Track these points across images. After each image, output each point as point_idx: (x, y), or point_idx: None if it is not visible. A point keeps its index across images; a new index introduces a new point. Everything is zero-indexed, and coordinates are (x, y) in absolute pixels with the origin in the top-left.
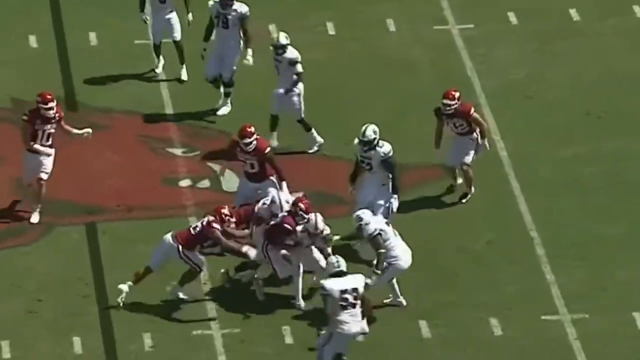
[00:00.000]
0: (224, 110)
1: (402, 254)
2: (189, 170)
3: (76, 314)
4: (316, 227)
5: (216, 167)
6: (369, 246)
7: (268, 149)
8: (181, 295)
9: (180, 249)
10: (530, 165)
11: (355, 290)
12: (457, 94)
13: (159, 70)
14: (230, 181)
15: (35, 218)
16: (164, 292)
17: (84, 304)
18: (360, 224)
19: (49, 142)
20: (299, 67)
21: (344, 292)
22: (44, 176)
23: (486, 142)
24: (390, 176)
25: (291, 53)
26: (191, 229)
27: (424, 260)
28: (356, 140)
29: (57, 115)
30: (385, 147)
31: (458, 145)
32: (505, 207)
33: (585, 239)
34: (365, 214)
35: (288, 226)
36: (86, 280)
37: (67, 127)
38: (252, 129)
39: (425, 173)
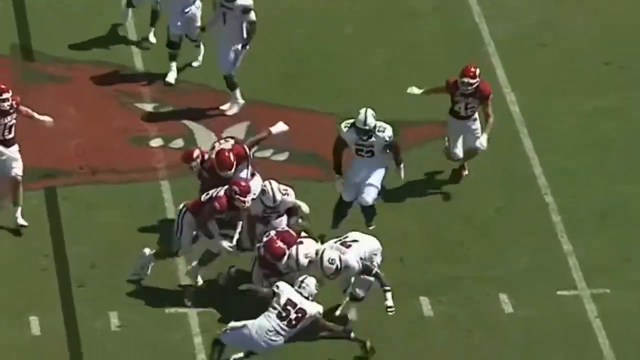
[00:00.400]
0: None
1: (378, 246)
2: (160, 128)
3: (33, 291)
4: (297, 264)
5: (192, 125)
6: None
7: (247, 152)
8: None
9: (183, 211)
10: (545, 121)
11: (301, 311)
12: (477, 70)
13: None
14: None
15: (21, 220)
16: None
17: (42, 278)
18: (339, 269)
19: (12, 135)
20: (253, 15)
21: (291, 303)
22: (20, 172)
23: (486, 136)
24: (394, 155)
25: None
26: (204, 195)
27: (425, 231)
28: (345, 127)
29: (14, 103)
30: (387, 131)
31: (463, 133)
32: (516, 170)
33: (606, 204)
34: (332, 254)
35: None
36: (45, 251)
37: (28, 112)
38: (232, 159)
39: (427, 130)
